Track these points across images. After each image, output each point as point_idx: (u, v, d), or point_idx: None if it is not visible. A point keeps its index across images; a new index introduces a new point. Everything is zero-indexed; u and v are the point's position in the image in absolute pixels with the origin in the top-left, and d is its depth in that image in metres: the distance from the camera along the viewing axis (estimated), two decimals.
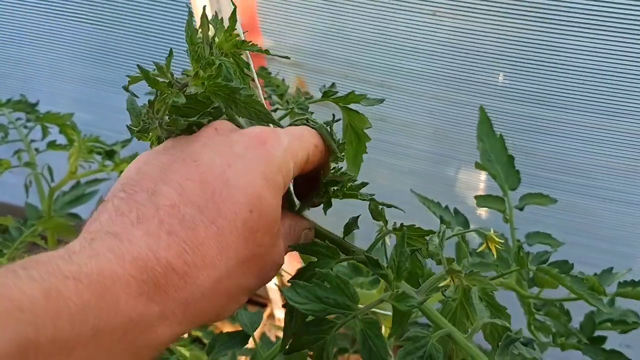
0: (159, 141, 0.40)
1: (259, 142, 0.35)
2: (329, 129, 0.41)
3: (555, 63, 0.78)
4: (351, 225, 0.43)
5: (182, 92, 0.38)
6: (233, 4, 0.43)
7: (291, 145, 0.37)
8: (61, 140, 0.90)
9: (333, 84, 0.51)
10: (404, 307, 0.35)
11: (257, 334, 1.38)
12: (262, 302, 1.43)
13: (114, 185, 0.35)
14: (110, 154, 0.85)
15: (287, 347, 0.38)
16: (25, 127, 0.88)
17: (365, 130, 0.50)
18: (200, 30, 0.40)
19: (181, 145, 0.36)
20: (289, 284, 0.37)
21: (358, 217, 0.43)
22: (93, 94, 1.18)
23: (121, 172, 0.84)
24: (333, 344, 0.37)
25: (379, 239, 0.43)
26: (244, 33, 0.54)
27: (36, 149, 0.87)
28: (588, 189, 0.90)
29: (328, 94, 0.48)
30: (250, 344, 0.63)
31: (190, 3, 0.83)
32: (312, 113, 0.47)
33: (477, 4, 0.75)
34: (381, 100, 0.49)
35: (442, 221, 0.73)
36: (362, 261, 0.39)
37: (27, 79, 1.21)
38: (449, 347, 0.38)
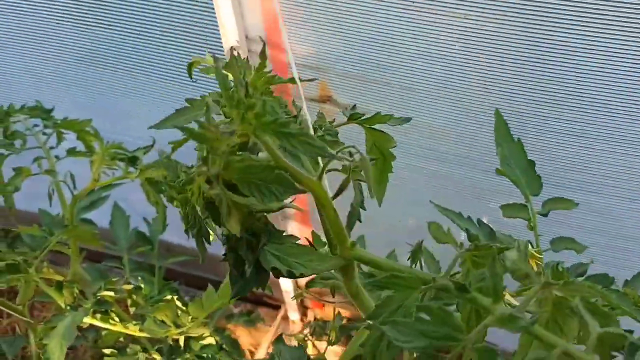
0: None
1: None
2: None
3: (581, 66, 0.78)
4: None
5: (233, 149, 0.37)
6: (262, 39, 0.43)
7: None
8: (79, 147, 0.88)
9: (354, 105, 0.52)
10: (516, 328, 0.34)
11: (272, 335, 1.38)
12: (275, 305, 1.42)
13: None
14: (132, 160, 0.83)
15: None
16: (44, 133, 0.85)
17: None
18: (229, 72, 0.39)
19: None
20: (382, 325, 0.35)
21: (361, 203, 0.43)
22: (100, 99, 1.16)
23: (146, 178, 0.82)
24: None
25: (454, 262, 0.42)
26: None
27: (56, 157, 0.85)
28: (609, 189, 0.91)
29: (354, 117, 0.49)
30: None
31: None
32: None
33: (507, 7, 0.75)
34: (408, 119, 0.49)
35: (469, 235, 0.73)
36: (443, 287, 0.38)
37: (32, 84, 1.18)
38: None
